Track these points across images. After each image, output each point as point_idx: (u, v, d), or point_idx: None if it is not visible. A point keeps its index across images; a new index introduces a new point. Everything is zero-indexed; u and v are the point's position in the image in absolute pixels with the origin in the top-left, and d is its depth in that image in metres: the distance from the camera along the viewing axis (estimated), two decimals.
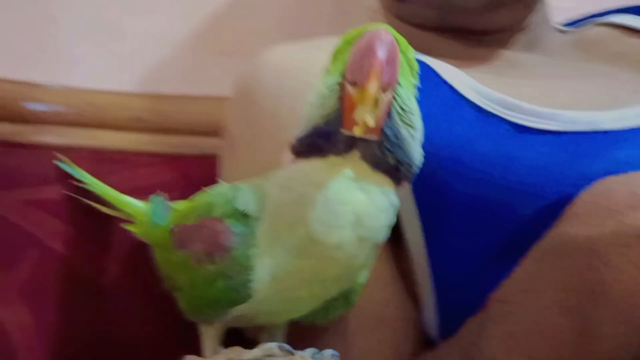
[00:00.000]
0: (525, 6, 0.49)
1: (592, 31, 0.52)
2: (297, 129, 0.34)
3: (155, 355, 0.56)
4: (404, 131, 0.32)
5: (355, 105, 0.30)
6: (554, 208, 0.36)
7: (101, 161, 0.60)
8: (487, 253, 0.38)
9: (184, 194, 0.45)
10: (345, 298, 0.38)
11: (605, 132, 0.39)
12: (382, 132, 0.31)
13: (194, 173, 0.60)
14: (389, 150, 0.32)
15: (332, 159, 0.32)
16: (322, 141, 0.32)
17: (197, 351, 0.38)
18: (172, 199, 0.47)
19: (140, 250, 0.56)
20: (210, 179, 0.59)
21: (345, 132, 0.31)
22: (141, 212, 0.48)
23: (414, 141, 0.33)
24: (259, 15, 0.67)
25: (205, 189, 0.40)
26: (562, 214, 0.33)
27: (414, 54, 0.33)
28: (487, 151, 0.39)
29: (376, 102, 0.30)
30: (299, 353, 0.35)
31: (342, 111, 0.31)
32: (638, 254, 0.28)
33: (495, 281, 0.37)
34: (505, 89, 0.42)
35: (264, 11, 0.67)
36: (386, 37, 0.30)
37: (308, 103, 0.34)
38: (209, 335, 0.37)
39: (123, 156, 0.61)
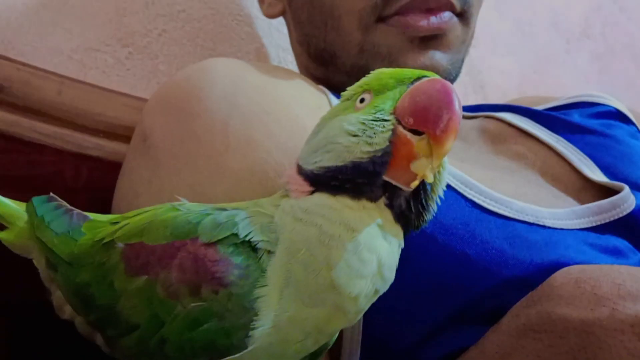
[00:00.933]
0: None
1: (489, 124, 0.56)
2: (319, 156, 0.30)
3: None
4: (436, 193, 0.30)
5: (416, 156, 0.28)
6: (503, 288, 0.37)
7: None
8: (429, 322, 0.38)
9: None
10: (313, 355, 0.33)
11: (546, 227, 0.41)
12: (417, 189, 0.29)
13: (56, 171, 0.49)
14: (421, 206, 0.30)
15: (364, 202, 0.29)
16: (360, 181, 0.29)
17: None
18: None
19: None
20: (81, 183, 0.49)
21: (388, 179, 0.29)
22: (17, 216, 0.37)
23: (437, 201, 0.31)
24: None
25: (161, 204, 0.33)
26: (534, 293, 0.35)
27: None
28: (448, 221, 0.39)
29: None
30: None
31: (391, 156, 0.28)
32: (631, 340, 0.30)
33: (434, 353, 0.37)
34: (458, 167, 0.43)
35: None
36: (455, 89, 0.28)
37: (345, 132, 0.30)
38: None
39: None
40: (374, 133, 0.29)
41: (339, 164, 0.29)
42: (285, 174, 0.32)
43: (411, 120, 0.28)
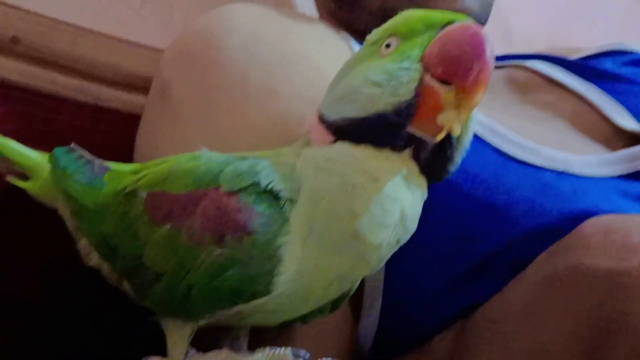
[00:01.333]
0: None
1: (517, 73, 0.54)
2: (342, 106, 0.29)
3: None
4: (462, 145, 0.29)
5: (443, 107, 0.27)
6: (529, 238, 0.37)
7: None
8: (452, 273, 0.38)
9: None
10: (335, 303, 0.34)
11: (575, 175, 0.40)
12: (444, 140, 0.28)
13: (75, 123, 0.49)
14: (446, 158, 0.29)
15: (387, 153, 0.28)
16: (384, 132, 0.28)
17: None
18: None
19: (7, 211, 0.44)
20: (100, 135, 0.49)
21: (413, 131, 0.28)
22: (40, 166, 0.37)
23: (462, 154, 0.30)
24: None
25: (184, 153, 0.32)
26: (560, 243, 0.34)
27: None
28: (475, 170, 0.38)
29: None
30: None
31: (417, 106, 0.27)
32: None
33: (456, 303, 0.37)
34: (485, 114, 0.42)
35: None
36: (488, 36, 0.26)
37: (369, 81, 0.28)
38: (181, 335, 0.30)
39: None
40: (400, 83, 0.28)
41: (363, 115, 0.28)
42: (307, 123, 0.32)
43: (440, 70, 0.27)
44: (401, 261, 0.33)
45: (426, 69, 0.28)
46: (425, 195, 0.30)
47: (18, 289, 0.45)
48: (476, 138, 0.40)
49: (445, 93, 0.27)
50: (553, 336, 0.32)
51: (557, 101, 0.50)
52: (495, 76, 0.54)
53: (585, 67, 0.53)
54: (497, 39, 0.85)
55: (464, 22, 0.28)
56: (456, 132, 0.27)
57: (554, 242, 0.35)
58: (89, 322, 0.47)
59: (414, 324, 0.39)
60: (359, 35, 0.48)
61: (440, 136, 0.27)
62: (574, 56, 0.58)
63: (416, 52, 0.28)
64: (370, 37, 0.31)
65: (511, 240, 0.37)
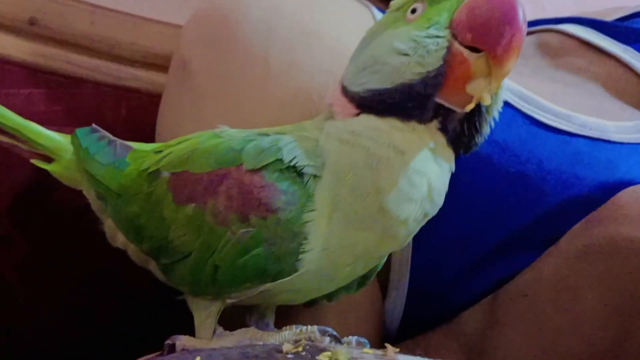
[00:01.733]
0: None
1: (549, 37, 0.52)
2: (366, 76, 0.28)
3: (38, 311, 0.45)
4: (491, 115, 0.28)
5: (472, 76, 0.26)
6: (562, 209, 0.36)
7: None
8: (482, 247, 0.37)
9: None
10: (362, 279, 0.33)
11: (612, 142, 0.38)
12: (472, 111, 0.27)
13: (96, 104, 0.49)
14: (475, 129, 0.28)
15: (414, 124, 0.27)
16: (410, 103, 0.27)
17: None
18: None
19: (26, 191, 0.44)
20: (121, 116, 0.49)
21: (441, 101, 0.27)
22: (63, 148, 0.37)
23: (492, 122, 0.29)
24: None
25: (204, 132, 0.32)
26: (595, 213, 0.33)
27: None
28: (505, 140, 0.37)
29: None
30: (345, 339, 0.30)
31: (445, 76, 0.26)
32: None
33: (486, 278, 0.37)
34: (516, 81, 0.40)
35: None
36: (520, 1, 0.25)
37: (394, 50, 0.27)
38: (208, 313, 0.30)
39: (7, 66, 0.46)
40: (427, 52, 0.27)
41: (388, 86, 0.27)
42: (329, 95, 0.31)
43: (469, 37, 0.26)
44: (429, 236, 0.33)
45: (454, 35, 0.26)
46: (453, 168, 0.30)
47: (49, 270, 0.46)
48: (506, 105, 0.38)
49: (475, 61, 0.26)
50: (587, 309, 0.31)
51: (591, 65, 0.48)
52: (526, 41, 0.52)
53: (621, 28, 0.50)
54: (526, 2, 0.82)
55: None
56: (487, 101, 0.26)
57: (589, 213, 0.34)
58: (116, 301, 0.48)
59: (442, 300, 0.38)
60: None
61: (470, 106, 0.26)
62: (609, 18, 0.55)
63: (444, 18, 0.27)
64: (396, 2, 0.30)
65: (543, 212, 0.36)
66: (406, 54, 0.27)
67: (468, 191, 0.36)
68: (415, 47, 0.27)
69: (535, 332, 0.33)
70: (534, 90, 0.41)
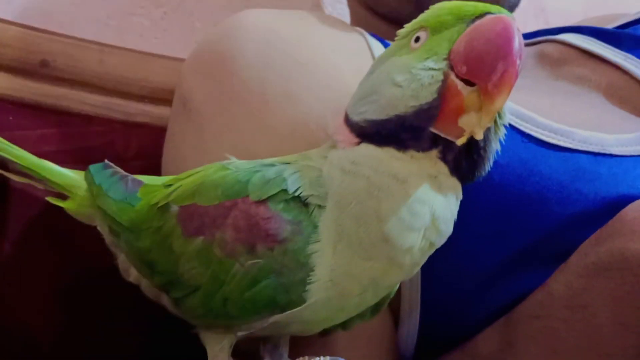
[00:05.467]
0: None
1: (549, 48, 0.51)
2: (365, 106, 0.28)
3: (57, 351, 0.45)
4: (493, 145, 0.28)
5: (465, 110, 0.25)
6: (568, 226, 0.35)
7: None
8: (490, 269, 0.36)
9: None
10: (375, 307, 0.33)
11: (613, 156, 0.38)
12: (473, 140, 0.27)
13: (107, 141, 0.50)
14: (474, 161, 0.28)
15: (412, 153, 0.27)
16: (404, 135, 0.27)
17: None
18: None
19: (43, 229, 0.45)
20: (132, 150, 0.50)
21: (437, 132, 0.27)
22: (77, 185, 0.38)
23: (495, 150, 0.29)
24: None
25: (210, 164, 0.33)
26: (603, 229, 0.33)
27: None
28: (506, 162, 0.37)
29: None
30: None
31: (440, 108, 0.26)
32: None
33: (498, 299, 0.36)
34: (514, 99, 0.41)
35: None
36: (519, 32, 0.25)
37: (391, 81, 0.27)
38: (221, 347, 0.30)
39: (20, 108, 0.48)
40: (421, 85, 0.26)
41: (383, 117, 0.28)
42: (333, 123, 0.31)
43: (464, 69, 0.26)
44: (437, 261, 0.32)
45: (452, 66, 0.26)
46: (460, 197, 0.29)
47: (61, 306, 0.47)
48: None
49: (467, 94, 0.25)
50: (601, 328, 0.31)
51: (592, 74, 0.48)
52: (525, 53, 0.52)
53: (622, 36, 0.50)
54: (530, 17, 0.82)
55: (496, 15, 0.26)
56: (478, 136, 0.26)
57: (596, 228, 0.34)
58: (133, 337, 0.49)
59: (455, 324, 0.38)
60: (390, 21, 0.47)
61: (463, 140, 0.26)
62: (612, 24, 0.55)
63: (443, 48, 0.27)
64: (402, 31, 0.30)
65: (548, 230, 0.36)
66: (401, 86, 0.27)
67: (472, 213, 0.36)
68: (410, 79, 0.27)
69: (551, 353, 0.33)
70: (532, 106, 0.40)
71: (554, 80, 0.48)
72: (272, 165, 0.30)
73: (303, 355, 0.31)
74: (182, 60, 0.52)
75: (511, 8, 0.48)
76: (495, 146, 0.28)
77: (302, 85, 0.38)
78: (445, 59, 0.26)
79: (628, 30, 0.52)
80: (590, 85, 0.47)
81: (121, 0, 0.55)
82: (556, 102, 0.44)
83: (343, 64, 0.39)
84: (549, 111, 0.41)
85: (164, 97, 0.51)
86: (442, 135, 0.27)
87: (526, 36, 0.57)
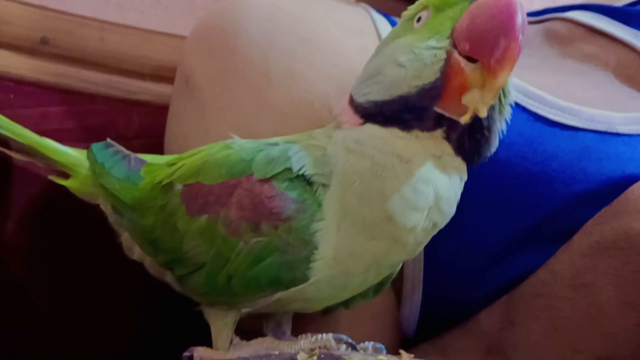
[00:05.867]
0: None
1: (557, 26, 0.50)
2: (369, 87, 0.28)
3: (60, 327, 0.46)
4: (498, 124, 0.28)
5: (468, 87, 0.25)
6: (570, 203, 0.35)
7: None
8: (493, 248, 0.36)
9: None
10: (377, 286, 0.33)
11: (620, 135, 0.37)
12: (476, 119, 0.26)
13: (109, 119, 0.50)
14: (477, 141, 0.27)
15: (416, 133, 0.27)
16: (409, 114, 0.27)
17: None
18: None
19: (46, 207, 0.45)
20: (134, 129, 0.50)
21: (441, 111, 0.26)
22: (79, 164, 0.38)
23: (501, 130, 0.28)
24: None
25: (214, 143, 0.32)
26: (608, 208, 0.33)
27: None
28: (511, 140, 0.36)
29: None
30: (361, 346, 0.30)
31: (444, 87, 0.26)
32: None
33: (500, 278, 0.36)
34: (521, 77, 0.39)
35: None
36: (522, 7, 0.24)
37: (394, 62, 0.27)
38: (224, 323, 0.30)
39: (21, 86, 0.47)
40: (423, 65, 0.26)
41: (386, 98, 0.27)
42: (338, 105, 0.31)
43: (467, 47, 0.25)
44: (440, 240, 0.32)
45: (455, 44, 0.26)
46: (464, 177, 0.29)
47: (66, 284, 0.47)
48: None
49: (470, 72, 0.25)
50: (604, 306, 0.31)
51: (600, 52, 0.47)
52: (533, 31, 0.51)
53: (632, 13, 0.49)
54: None
55: None
56: (482, 113, 0.26)
57: (600, 207, 0.34)
58: (134, 313, 0.49)
59: (458, 302, 0.38)
60: None
61: (466, 117, 0.26)
62: (620, 3, 0.54)
63: (446, 27, 0.27)
64: (406, 12, 0.29)
65: (553, 209, 0.36)
66: (403, 66, 0.27)
67: (476, 192, 0.36)
68: (413, 59, 0.27)
69: (552, 331, 0.33)
70: (539, 84, 0.40)
71: (561, 58, 0.48)
72: (276, 144, 0.30)
73: (305, 333, 0.31)
74: (183, 37, 0.51)
75: None
76: (500, 126, 0.28)
77: (305, 63, 0.38)
78: (448, 38, 0.26)
79: (638, 7, 0.51)
80: (599, 63, 0.46)
81: None
82: (563, 80, 0.43)
83: (347, 41, 0.39)
84: (556, 89, 0.40)
85: (165, 75, 0.51)
86: (447, 114, 0.27)
87: (533, 14, 0.56)
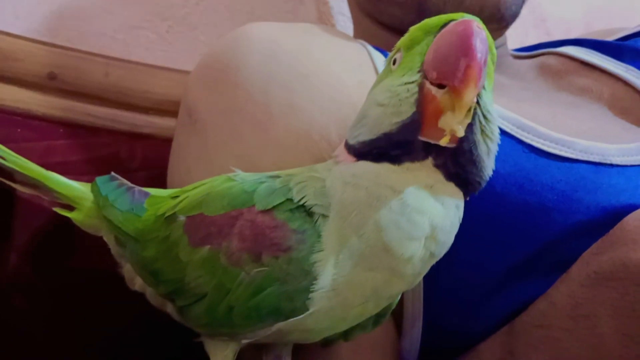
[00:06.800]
0: (501, 21, 0.48)
1: (550, 60, 0.52)
2: (358, 129, 0.29)
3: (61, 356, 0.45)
4: (481, 145, 0.28)
5: (442, 111, 0.26)
6: (569, 236, 0.36)
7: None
8: (492, 278, 0.37)
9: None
10: (376, 318, 0.33)
11: (614, 166, 0.38)
12: (461, 140, 0.27)
13: (112, 152, 0.50)
14: (462, 164, 0.28)
15: (407, 165, 0.28)
16: (396, 151, 0.28)
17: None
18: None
19: (49, 240, 0.46)
20: (137, 161, 0.51)
21: (425, 139, 0.27)
22: (83, 196, 0.38)
23: (490, 153, 0.29)
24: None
25: (219, 176, 0.33)
26: (605, 239, 0.33)
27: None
28: (508, 172, 0.37)
29: (468, 108, 0.26)
30: None
31: (422, 116, 0.27)
32: None
33: (500, 308, 0.36)
34: (515, 110, 0.41)
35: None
36: (480, 30, 0.26)
37: (375, 103, 0.29)
38: (224, 355, 0.30)
39: (28, 120, 0.48)
40: (399, 100, 0.27)
41: (372, 137, 0.28)
42: (337, 149, 0.32)
43: (434, 75, 0.26)
44: (439, 271, 0.32)
45: (425, 75, 0.27)
46: (461, 205, 0.29)
47: (67, 317, 0.47)
48: (505, 135, 0.39)
49: (441, 96, 0.26)
50: (604, 338, 0.31)
51: (594, 85, 0.48)
52: (527, 65, 0.53)
53: (623, 48, 0.50)
54: (530, 27, 0.83)
55: (458, 20, 0.27)
56: (459, 133, 0.26)
57: (597, 238, 0.34)
58: (135, 347, 0.49)
59: (458, 333, 0.38)
60: (393, 31, 0.47)
61: (446, 139, 0.27)
62: (613, 36, 0.55)
63: (416, 62, 0.28)
64: (388, 58, 0.31)
65: (550, 239, 0.36)
66: (383, 105, 0.28)
67: (474, 223, 0.36)
68: (390, 96, 0.28)
69: None
70: (533, 117, 0.41)
71: (555, 91, 0.49)
72: (278, 176, 0.31)
73: None
74: (186, 72, 0.53)
75: (512, 18, 0.49)
76: (487, 148, 0.28)
77: (305, 97, 0.39)
78: (419, 71, 0.28)
79: (628, 42, 0.52)
80: (592, 96, 0.48)
81: (127, 14, 0.56)
82: (557, 112, 0.44)
83: (346, 76, 0.40)
84: (551, 122, 0.41)
85: (168, 109, 0.52)
86: (431, 141, 0.27)
87: (527, 49, 0.58)
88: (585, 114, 0.45)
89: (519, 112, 0.41)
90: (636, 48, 0.50)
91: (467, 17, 0.27)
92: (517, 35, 0.65)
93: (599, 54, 0.51)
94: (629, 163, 0.39)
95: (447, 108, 0.26)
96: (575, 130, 0.41)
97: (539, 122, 0.41)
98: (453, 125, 0.26)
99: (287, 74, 0.40)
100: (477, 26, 0.26)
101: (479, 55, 0.25)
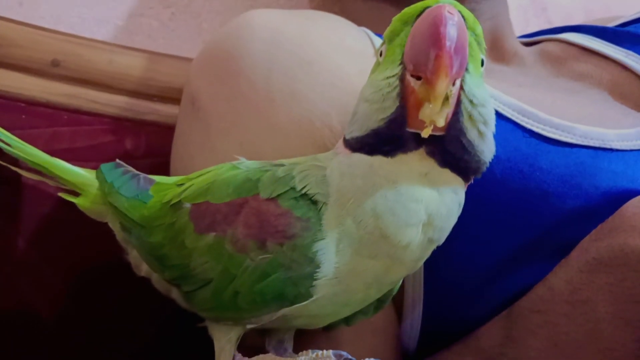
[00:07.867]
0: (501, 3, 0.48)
1: (550, 46, 0.52)
2: (352, 125, 0.30)
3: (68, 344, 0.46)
4: (471, 131, 0.27)
5: (422, 103, 0.26)
6: (569, 221, 0.36)
7: (4, 110, 0.47)
8: (492, 263, 0.37)
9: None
10: (378, 303, 0.34)
11: (614, 151, 0.39)
12: (448, 127, 0.27)
13: (117, 139, 0.51)
14: (451, 151, 0.28)
15: (400, 157, 0.28)
16: (385, 146, 0.28)
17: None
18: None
19: (55, 225, 0.46)
20: (141, 149, 0.51)
21: (412, 130, 0.27)
22: (89, 183, 0.39)
23: (483, 137, 0.28)
24: None
25: (222, 164, 0.33)
26: (604, 225, 0.34)
27: (481, 29, 0.28)
28: (508, 157, 0.37)
29: (446, 97, 0.26)
30: None
31: (406, 109, 0.27)
32: None
33: (500, 292, 0.37)
34: (515, 95, 0.41)
35: None
36: (452, 15, 0.25)
37: (363, 98, 0.29)
38: (228, 339, 0.31)
39: (32, 107, 0.49)
40: (382, 96, 0.28)
41: (362, 133, 0.29)
42: (338, 142, 0.32)
43: (411, 66, 0.26)
44: (440, 257, 0.33)
45: (406, 67, 0.27)
46: (459, 191, 0.30)
47: (74, 302, 0.48)
48: (505, 120, 0.39)
49: (419, 87, 0.26)
50: (603, 324, 0.31)
51: (594, 70, 0.48)
52: (527, 51, 0.53)
53: (623, 34, 0.50)
54: (531, 16, 0.82)
55: (431, 7, 0.26)
56: (439, 123, 0.26)
57: (597, 223, 0.35)
58: (142, 332, 0.49)
59: (458, 318, 0.39)
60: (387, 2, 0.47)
61: (427, 130, 0.27)
62: (613, 23, 0.55)
63: (397, 54, 0.28)
64: (377, 49, 0.31)
65: (550, 224, 0.36)
66: (368, 101, 0.28)
67: (475, 208, 0.36)
68: (374, 91, 0.28)
69: (551, 347, 0.33)
70: (533, 102, 0.41)
71: (555, 77, 0.49)
72: (281, 164, 0.31)
73: (306, 350, 0.32)
74: (189, 60, 0.53)
75: None
76: (475, 132, 0.28)
77: (307, 84, 0.39)
78: (400, 64, 0.28)
79: (628, 28, 0.52)
80: (592, 81, 0.48)
81: (130, 1, 0.56)
82: (557, 98, 0.44)
83: (348, 63, 0.40)
84: (550, 107, 0.42)
85: (172, 96, 0.52)
86: (418, 131, 0.27)
87: (528, 36, 0.58)
88: (585, 100, 0.45)
89: (520, 97, 0.41)
90: (636, 34, 0.50)
91: (443, 1, 0.27)
92: (518, 24, 0.65)
93: (599, 40, 0.51)
94: (628, 148, 0.39)
95: (425, 99, 0.26)
96: (575, 116, 0.41)
97: (539, 108, 0.41)
98: (432, 116, 0.26)
99: (289, 61, 0.40)
100: (449, 11, 0.25)
101: (448, 43, 0.25)
